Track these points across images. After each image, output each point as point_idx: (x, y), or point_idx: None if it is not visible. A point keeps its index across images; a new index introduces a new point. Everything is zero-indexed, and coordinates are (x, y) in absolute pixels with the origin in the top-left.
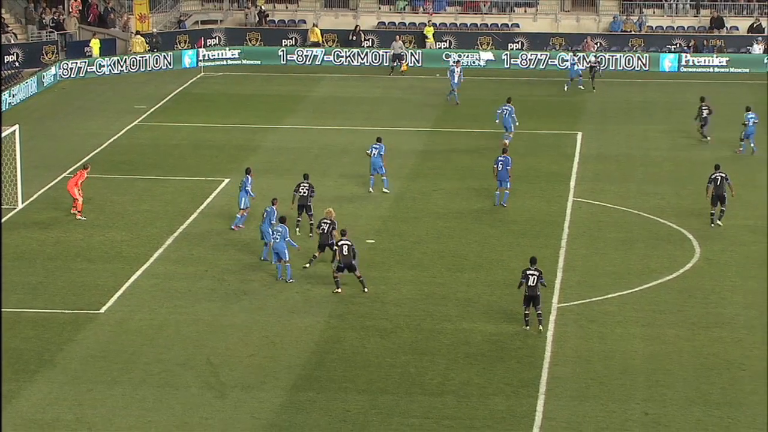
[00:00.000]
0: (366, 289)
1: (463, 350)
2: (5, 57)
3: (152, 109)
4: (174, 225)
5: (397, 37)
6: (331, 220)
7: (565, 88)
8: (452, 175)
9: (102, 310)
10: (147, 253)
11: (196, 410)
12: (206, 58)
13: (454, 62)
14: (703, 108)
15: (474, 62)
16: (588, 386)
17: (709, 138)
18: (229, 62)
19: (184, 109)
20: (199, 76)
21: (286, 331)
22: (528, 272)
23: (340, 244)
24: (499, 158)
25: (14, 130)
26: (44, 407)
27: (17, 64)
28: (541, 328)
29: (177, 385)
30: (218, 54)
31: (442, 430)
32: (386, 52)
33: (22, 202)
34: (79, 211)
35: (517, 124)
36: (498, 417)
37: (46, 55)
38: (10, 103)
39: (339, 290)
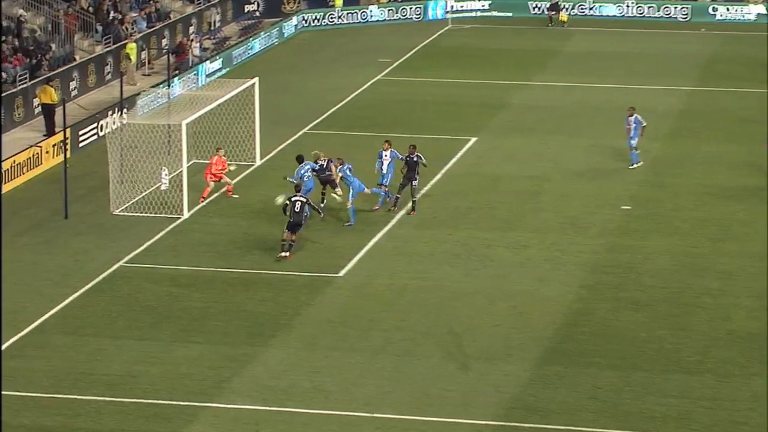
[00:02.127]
0: (286, 255)
1: (724, 326)
2: (245, 6)
3: (397, 63)
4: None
5: None
6: (325, 160)
7: None
8: (715, 138)
9: (340, 274)
10: (388, 215)
11: (436, 381)
12: (454, 9)
13: None
14: None
15: (743, 17)
16: None
17: None
18: (478, 14)
19: (430, 63)
20: (446, 28)
21: (533, 300)
22: None
23: (293, 199)
24: None
25: (253, 83)
26: (280, 373)
27: (258, 14)
28: None
29: (417, 355)
30: (467, 5)
31: (699, 411)
32: (617, 5)
33: (260, 159)
34: (203, 197)
35: None
36: (762, 399)
37: (288, 4)
38: (249, 54)
39: (286, 254)
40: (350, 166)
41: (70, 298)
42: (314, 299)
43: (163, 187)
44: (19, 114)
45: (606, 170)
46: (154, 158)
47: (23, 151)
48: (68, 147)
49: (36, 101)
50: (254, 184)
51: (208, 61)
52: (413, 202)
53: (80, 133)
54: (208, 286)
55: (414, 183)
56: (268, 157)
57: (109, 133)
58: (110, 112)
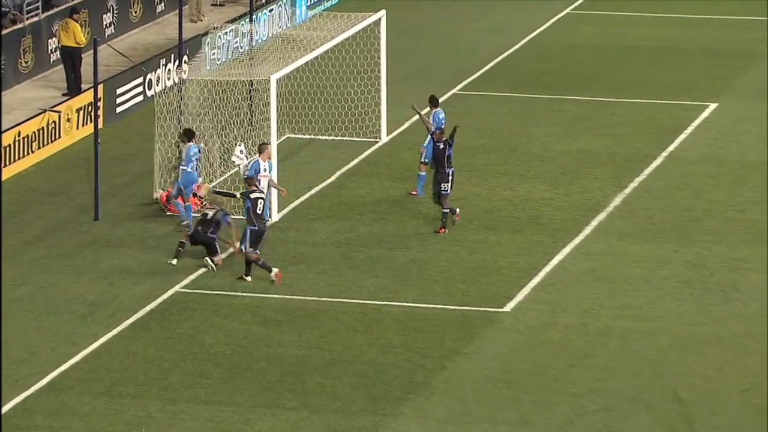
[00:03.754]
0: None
1: None
2: None
3: None
4: (625, 176)
5: None
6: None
7: None
8: None
9: (506, 308)
10: (580, 220)
11: None
12: None
13: None
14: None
15: None
16: None
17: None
18: None
19: None
20: None
21: None
22: None
23: (253, 196)
24: None
25: (378, 20)
26: None
27: None
28: None
29: (623, 431)
30: None
31: None
32: None
33: (387, 135)
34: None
35: None
36: None
37: None
38: None
39: (249, 278)
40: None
41: (102, 340)
42: (467, 346)
43: (237, 164)
44: (26, 62)
45: None
46: (227, 131)
47: (33, 117)
48: (101, 113)
49: (53, 43)
50: (378, 171)
51: None
52: (443, 215)
53: (118, 92)
54: (309, 323)
55: (443, 187)
56: (399, 130)
57: (161, 92)
58: (163, 62)
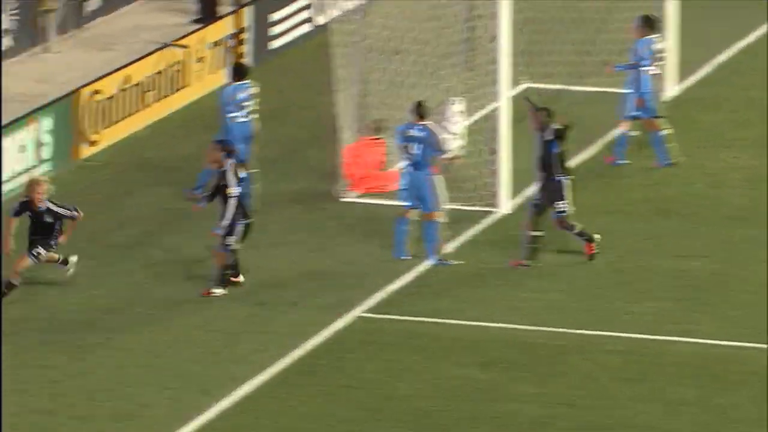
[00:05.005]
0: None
1: None
2: None
3: None
4: None
5: None
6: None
7: None
8: None
9: None
10: None
11: None
12: None
13: None
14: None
15: None
16: None
17: None
18: None
19: None
20: None
21: None
22: None
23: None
24: None
25: None
26: None
27: None
28: None
29: None
30: None
31: None
32: None
33: (677, 83)
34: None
35: None
36: None
37: None
38: None
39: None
40: None
41: (245, 388)
42: None
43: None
44: None
45: None
46: (433, 79)
47: (146, 56)
48: (247, 49)
49: None
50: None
51: None
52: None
53: (272, 18)
54: (554, 367)
55: (559, 207)
56: (693, 77)
57: (338, 19)
58: None
